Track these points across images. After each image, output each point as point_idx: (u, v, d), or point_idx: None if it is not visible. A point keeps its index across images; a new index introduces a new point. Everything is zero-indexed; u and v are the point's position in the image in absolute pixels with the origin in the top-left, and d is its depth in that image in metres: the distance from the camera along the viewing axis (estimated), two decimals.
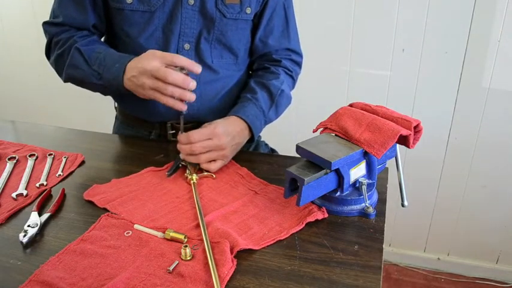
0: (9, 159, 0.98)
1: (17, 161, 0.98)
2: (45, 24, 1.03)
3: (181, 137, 0.90)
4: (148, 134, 1.12)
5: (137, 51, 0.97)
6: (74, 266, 0.66)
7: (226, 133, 0.91)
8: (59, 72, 1.02)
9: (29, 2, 2.02)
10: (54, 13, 1.02)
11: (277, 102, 1.06)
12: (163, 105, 1.04)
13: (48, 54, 1.05)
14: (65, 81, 1.02)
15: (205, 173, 0.91)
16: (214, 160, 0.91)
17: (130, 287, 0.62)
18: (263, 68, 1.12)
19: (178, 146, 0.91)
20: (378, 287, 0.62)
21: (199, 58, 1.02)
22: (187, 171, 0.90)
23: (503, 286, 1.94)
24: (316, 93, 1.78)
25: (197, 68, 0.87)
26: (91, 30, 1.02)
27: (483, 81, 1.64)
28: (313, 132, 0.85)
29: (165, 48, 1.00)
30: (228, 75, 1.08)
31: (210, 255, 0.66)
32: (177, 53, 1.01)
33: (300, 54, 1.17)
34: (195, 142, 0.88)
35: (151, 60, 0.85)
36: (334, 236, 0.73)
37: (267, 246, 0.71)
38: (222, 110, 1.07)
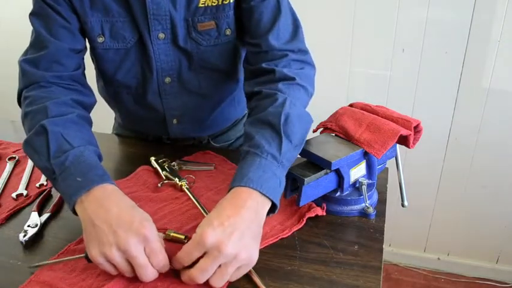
0: (9, 159, 0.98)
1: (17, 161, 0.98)
2: (23, 62, 0.85)
3: (175, 265, 0.64)
4: (146, 136, 1.12)
5: (114, 84, 0.95)
6: (74, 266, 0.66)
7: (224, 235, 0.60)
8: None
9: (29, 3, 2.01)
10: (33, 43, 0.85)
11: (286, 132, 0.72)
12: (153, 129, 1.05)
13: (19, 102, 0.86)
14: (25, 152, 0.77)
15: (192, 176, 0.89)
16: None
17: (130, 287, 0.62)
18: (256, 93, 0.84)
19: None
20: (378, 287, 0.62)
21: (184, 88, 0.95)
22: (176, 179, 0.87)
23: (503, 286, 1.94)
24: (316, 93, 1.78)
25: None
26: (76, 68, 0.87)
27: (483, 81, 1.64)
28: (313, 132, 0.85)
29: (144, 83, 0.93)
30: (218, 96, 1.02)
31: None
32: (159, 87, 0.93)
33: (302, 51, 0.89)
34: (191, 264, 0.62)
35: (132, 237, 0.60)
36: (334, 236, 0.73)
37: (267, 246, 0.71)
38: (215, 126, 1.07)
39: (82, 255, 0.64)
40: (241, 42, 0.95)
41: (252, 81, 0.86)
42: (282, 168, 0.70)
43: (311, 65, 0.90)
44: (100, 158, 0.75)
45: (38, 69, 0.83)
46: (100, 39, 0.88)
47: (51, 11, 0.83)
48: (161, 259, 0.61)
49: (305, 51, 0.89)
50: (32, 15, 0.85)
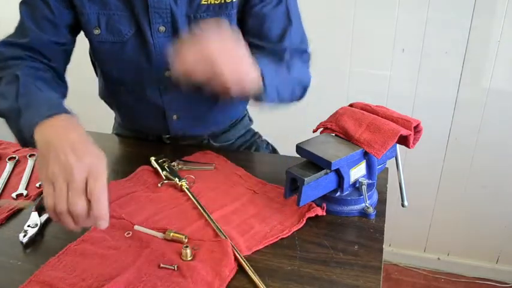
0: (9, 159, 0.98)
1: (17, 161, 0.98)
2: (0, 44, 0.87)
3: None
4: (146, 136, 1.12)
5: (112, 79, 0.96)
6: (74, 266, 0.66)
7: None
8: None
9: None
10: (16, 30, 0.88)
11: (288, 62, 0.87)
12: (153, 126, 1.03)
13: None
14: None
15: (192, 176, 0.89)
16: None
17: (130, 287, 0.62)
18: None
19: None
20: (378, 287, 0.62)
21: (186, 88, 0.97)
22: (176, 179, 0.87)
23: (503, 286, 1.94)
24: (316, 93, 1.78)
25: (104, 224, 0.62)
26: (55, 59, 0.88)
27: (483, 81, 1.64)
28: (313, 132, 0.85)
29: (142, 77, 0.93)
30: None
31: (250, 269, 0.65)
32: (159, 82, 0.94)
33: (307, 52, 0.97)
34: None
35: (79, 162, 0.61)
36: (334, 236, 0.73)
37: (267, 246, 0.71)
38: (215, 123, 1.07)
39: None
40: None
41: None
42: (276, 73, 0.83)
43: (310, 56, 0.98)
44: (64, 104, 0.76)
45: (16, 50, 0.85)
46: (96, 31, 0.88)
47: (40, 2, 0.85)
48: (103, 204, 0.60)
49: (309, 54, 0.97)
50: (22, 3, 0.88)
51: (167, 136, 1.08)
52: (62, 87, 0.87)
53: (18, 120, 0.71)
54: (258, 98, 0.83)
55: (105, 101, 1.09)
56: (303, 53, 0.95)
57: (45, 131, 0.65)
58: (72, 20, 0.89)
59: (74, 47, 0.94)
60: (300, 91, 0.95)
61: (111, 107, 1.12)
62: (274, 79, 0.83)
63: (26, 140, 0.69)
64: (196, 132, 1.08)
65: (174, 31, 0.88)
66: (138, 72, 0.93)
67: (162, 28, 0.88)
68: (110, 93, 1.03)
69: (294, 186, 0.77)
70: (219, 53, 0.70)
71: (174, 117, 1.01)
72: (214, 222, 0.74)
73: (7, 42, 0.87)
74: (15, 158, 0.98)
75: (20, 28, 0.87)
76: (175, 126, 1.03)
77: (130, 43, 0.89)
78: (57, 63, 0.89)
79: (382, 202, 0.82)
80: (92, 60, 1.07)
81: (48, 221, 0.77)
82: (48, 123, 0.66)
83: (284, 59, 0.87)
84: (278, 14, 0.89)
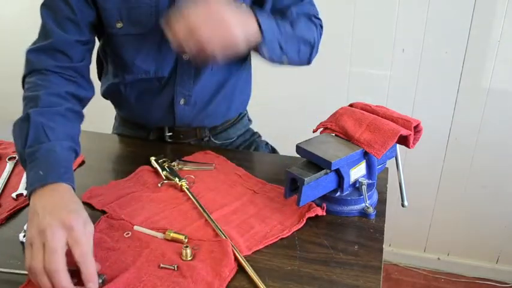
0: (9, 159, 0.98)
1: (17, 161, 0.98)
2: (29, 52, 0.88)
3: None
4: (147, 135, 1.12)
5: (133, 70, 0.97)
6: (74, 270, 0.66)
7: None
8: None
9: (28, 2, 2.02)
10: (41, 33, 0.89)
11: (292, 22, 0.91)
12: (159, 113, 1.04)
13: (23, 87, 0.89)
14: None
15: (192, 176, 0.89)
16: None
17: (130, 287, 0.62)
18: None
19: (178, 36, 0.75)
20: (378, 287, 0.62)
21: (199, 68, 0.99)
22: (175, 179, 0.87)
23: (503, 286, 1.94)
24: (316, 93, 1.78)
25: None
26: (80, 59, 0.90)
27: (483, 81, 1.64)
28: (313, 132, 0.85)
29: (162, 64, 0.96)
30: (224, 78, 1.05)
31: (250, 269, 0.65)
32: (177, 66, 0.96)
33: (319, 19, 1.02)
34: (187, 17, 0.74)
35: (55, 221, 0.61)
36: (334, 236, 0.73)
37: (267, 246, 0.71)
38: (219, 113, 1.07)
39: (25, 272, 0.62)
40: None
41: None
42: (278, 31, 0.86)
43: (322, 29, 1.03)
44: (76, 153, 0.78)
45: (41, 58, 0.86)
46: (118, 25, 0.90)
47: (60, 2, 0.86)
48: (83, 250, 0.60)
49: (320, 20, 1.02)
50: (42, 5, 0.89)
51: (169, 134, 1.08)
52: (77, 120, 0.86)
53: (25, 170, 0.73)
54: (261, 54, 0.86)
55: (108, 99, 1.09)
56: (311, 17, 0.97)
57: (34, 199, 0.67)
58: (93, 18, 0.90)
59: (94, 45, 0.96)
60: (307, 51, 0.96)
61: (115, 104, 1.12)
62: (276, 33, 0.85)
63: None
64: (200, 124, 1.08)
65: None
66: (159, 59, 0.96)
67: None
68: (118, 87, 1.03)
69: (294, 186, 0.77)
70: (201, 21, 0.74)
71: (182, 101, 1.02)
72: (214, 222, 0.74)
73: (34, 50, 0.88)
74: (15, 158, 0.98)
75: (43, 31, 0.88)
76: (181, 113, 1.03)
77: (151, 34, 0.91)
78: (81, 63, 0.91)
79: (382, 202, 0.82)
80: (97, 60, 1.08)
81: None
82: (39, 192, 0.67)
83: (287, 16, 0.90)
84: None
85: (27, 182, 0.70)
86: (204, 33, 0.74)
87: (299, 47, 0.93)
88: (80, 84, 0.89)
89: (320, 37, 1.01)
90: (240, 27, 0.78)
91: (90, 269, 0.59)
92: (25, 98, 0.82)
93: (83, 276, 0.59)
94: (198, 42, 0.74)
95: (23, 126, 0.77)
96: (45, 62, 0.86)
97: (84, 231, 0.62)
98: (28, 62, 0.88)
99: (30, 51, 0.88)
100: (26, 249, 0.61)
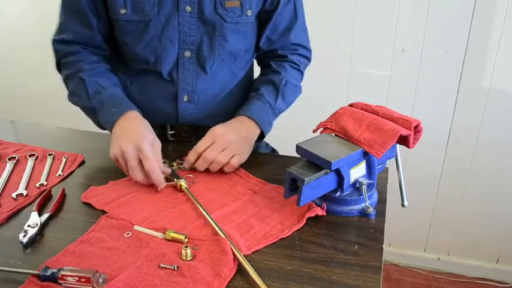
0: (9, 159, 0.98)
1: (17, 161, 0.98)
2: (54, 42, 1.02)
3: (190, 156, 0.91)
4: None
5: (135, 58, 1.01)
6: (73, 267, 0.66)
7: (228, 130, 0.93)
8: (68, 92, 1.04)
9: (28, 2, 2.02)
10: (61, 27, 1.01)
11: (283, 92, 1.06)
12: (163, 109, 1.06)
13: (59, 70, 1.05)
14: (71, 102, 1.03)
15: (192, 176, 0.89)
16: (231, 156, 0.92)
17: (130, 287, 0.62)
18: (267, 66, 1.12)
19: (192, 165, 0.92)
20: (378, 287, 0.62)
21: (200, 65, 1.02)
22: (175, 179, 0.87)
23: (503, 286, 1.94)
24: (316, 93, 1.78)
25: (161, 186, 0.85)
26: (100, 46, 1.03)
27: (483, 81, 1.64)
28: (313, 132, 0.85)
29: (162, 57, 0.99)
30: (226, 78, 1.07)
31: (250, 269, 0.66)
32: (178, 61, 1.00)
33: (307, 49, 1.15)
34: (203, 151, 0.90)
35: (129, 144, 0.85)
36: (334, 236, 0.73)
37: (267, 246, 0.71)
38: (221, 113, 1.07)
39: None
40: (258, 25, 1.08)
41: (265, 56, 1.13)
42: (273, 114, 1.04)
43: (310, 60, 1.17)
44: (123, 92, 1.00)
45: (66, 46, 1.01)
46: (122, 11, 0.95)
47: None
48: (151, 163, 0.83)
49: (309, 50, 1.16)
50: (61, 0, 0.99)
51: (171, 132, 1.09)
52: (113, 73, 1.04)
53: (95, 117, 0.96)
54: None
55: None
56: (299, 60, 1.12)
57: (115, 128, 0.90)
58: (103, 6, 0.97)
59: (109, 33, 1.03)
60: (295, 98, 1.13)
61: None
62: (272, 120, 1.04)
63: (104, 128, 0.98)
64: (202, 123, 1.08)
65: (199, 11, 0.96)
66: (159, 50, 0.99)
67: (188, 8, 0.95)
68: (123, 83, 1.05)
69: (294, 186, 0.77)
70: (215, 154, 0.91)
71: (185, 98, 1.04)
72: (214, 222, 0.74)
73: (57, 40, 1.02)
74: (15, 158, 0.98)
75: (61, 25, 1.01)
76: (184, 109, 1.05)
77: (152, 22, 0.95)
78: (103, 50, 1.04)
79: (382, 202, 0.82)
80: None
81: (48, 221, 0.77)
82: (118, 123, 0.90)
83: (279, 89, 1.05)
84: (287, 10, 1.05)
85: (105, 122, 0.93)
86: (221, 161, 0.90)
87: (288, 106, 1.11)
88: (102, 53, 1.05)
89: (304, 72, 1.16)
90: (248, 153, 0.96)
91: (157, 176, 0.84)
92: (69, 75, 1.00)
93: (153, 179, 0.83)
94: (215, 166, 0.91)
95: (80, 87, 0.96)
96: (71, 47, 1.01)
97: (151, 149, 0.85)
98: (57, 51, 1.03)
99: (56, 42, 1.02)
100: (117, 163, 0.87)
